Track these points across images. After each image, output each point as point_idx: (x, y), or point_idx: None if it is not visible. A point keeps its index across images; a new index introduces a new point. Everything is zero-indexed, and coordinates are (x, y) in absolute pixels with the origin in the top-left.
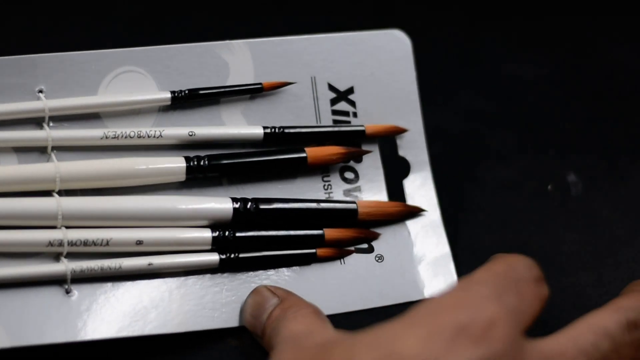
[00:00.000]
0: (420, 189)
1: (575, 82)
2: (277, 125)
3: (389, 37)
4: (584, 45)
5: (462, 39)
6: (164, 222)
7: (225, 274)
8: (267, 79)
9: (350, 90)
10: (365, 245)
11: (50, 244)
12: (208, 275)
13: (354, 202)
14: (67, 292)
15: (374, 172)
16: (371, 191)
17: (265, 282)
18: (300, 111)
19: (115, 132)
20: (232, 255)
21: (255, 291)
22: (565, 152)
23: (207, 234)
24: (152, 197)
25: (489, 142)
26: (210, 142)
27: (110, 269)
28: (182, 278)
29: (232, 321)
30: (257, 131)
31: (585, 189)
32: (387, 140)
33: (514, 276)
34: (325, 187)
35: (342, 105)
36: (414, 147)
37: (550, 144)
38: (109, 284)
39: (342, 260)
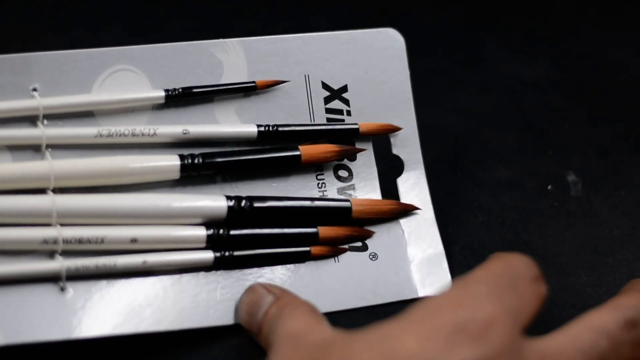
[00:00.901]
0: (414, 187)
1: (574, 82)
2: (271, 123)
3: (382, 36)
4: (583, 45)
5: (462, 38)
6: (159, 220)
7: (220, 272)
8: (260, 78)
9: (344, 89)
10: (359, 244)
11: (45, 241)
12: (202, 273)
13: (347, 200)
14: (62, 289)
15: (368, 171)
16: (365, 189)
17: (260, 280)
18: (294, 109)
19: (110, 130)
20: (227, 253)
21: (250, 289)
22: (565, 152)
23: (202, 232)
24: (147, 195)
25: (489, 142)
26: (204, 140)
27: (105, 266)
28: (177, 276)
29: (226, 319)
30: (251, 129)
31: (585, 189)
32: (381, 138)
33: (512, 275)
34: (319, 186)
35: (336, 104)
36: (408, 146)
37: (550, 144)
38: (104, 282)
39: (336, 258)
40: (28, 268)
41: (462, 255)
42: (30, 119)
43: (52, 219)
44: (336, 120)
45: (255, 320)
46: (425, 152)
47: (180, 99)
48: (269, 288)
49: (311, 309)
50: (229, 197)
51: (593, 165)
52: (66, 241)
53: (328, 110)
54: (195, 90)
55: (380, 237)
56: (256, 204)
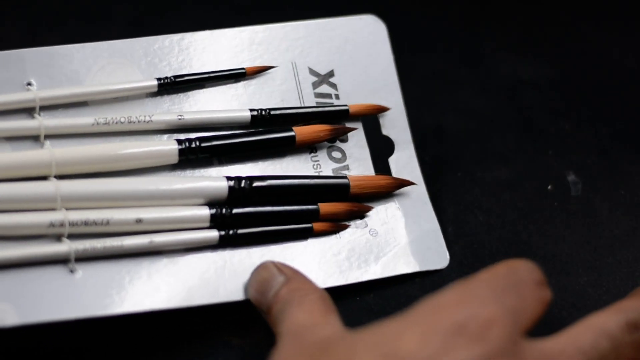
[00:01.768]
0: (405, 166)
1: (574, 82)
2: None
3: (363, 22)
4: (583, 45)
5: (461, 38)
6: (161, 202)
7: (226, 250)
8: (248, 66)
9: (331, 74)
10: (359, 220)
11: (52, 224)
12: (209, 252)
13: (345, 177)
14: (71, 271)
15: (360, 151)
16: (359, 169)
17: (265, 258)
18: (284, 95)
19: (106, 118)
20: (231, 232)
21: (261, 266)
22: (565, 152)
23: (205, 211)
24: (149, 178)
25: (489, 142)
26: (199, 126)
27: (112, 247)
28: (184, 255)
29: (235, 295)
30: (245, 114)
31: (585, 189)
32: (371, 120)
33: (514, 278)
34: (315, 167)
35: (324, 88)
36: (396, 126)
37: (550, 144)
38: (113, 263)
39: (338, 234)
40: (37, 251)
41: (462, 255)
42: (27, 111)
43: (57, 203)
44: (325, 104)
45: (265, 299)
46: (425, 152)
47: (172, 86)
48: (280, 267)
49: (322, 297)
50: (229, 178)
51: (593, 165)
52: (72, 224)
53: (317, 95)
54: (186, 77)
55: (379, 215)
56: (256, 184)
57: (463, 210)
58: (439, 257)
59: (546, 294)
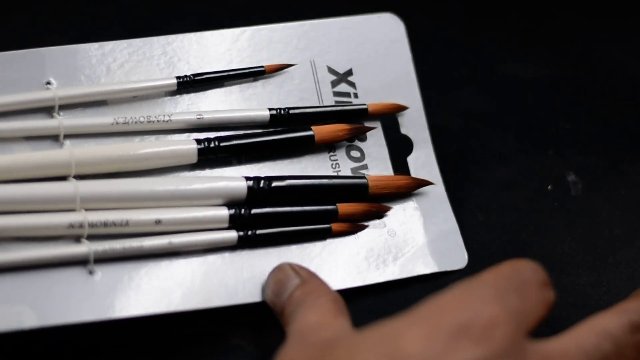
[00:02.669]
0: (424, 165)
1: (574, 82)
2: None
3: (382, 20)
4: (583, 45)
5: (461, 38)
6: (181, 202)
7: (245, 251)
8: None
9: (350, 72)
10: (377, 221)
11: (71, 225)
12: (227, 253)
13: (364, 177)
14: (91, 272)
15: (379, 150)
16: (377, 168)
17: (283, 259)
18: (303, 93)
19: (125, 117)
20: (250, 232)
21: (278, 268)
22: (565, 152)
23: (224, 211)
24: (168, 178)
25: (489, 142)
26: (218, 125)
27: (132, 248)
28: (203, 256)
29: (254, 296)
30: (264, 113)
31: (585, 189)
32: (389, 119)
33: (518, 279)
34: (333, 167)
35: (343, 87)
36: (415, 125)
37: (550, 144)
38: (132, 264)
39: (356, 234)
40: (57, 252)
41: None
42: (46, 110)
43: (76, 204)
44: (344, 102)
45: (279, 301)
46: None
47: (192, 85)
48: (296, 269)
49: (333, 299)
50: (247, 178)
51: (593, 165)
52: (92, 225)
53: (335, 94)
54: (206, 76)
55: (397, 215)
56: (274, 184)
57: (463, 210)
58: (457, 258)
59: (550, 295)
